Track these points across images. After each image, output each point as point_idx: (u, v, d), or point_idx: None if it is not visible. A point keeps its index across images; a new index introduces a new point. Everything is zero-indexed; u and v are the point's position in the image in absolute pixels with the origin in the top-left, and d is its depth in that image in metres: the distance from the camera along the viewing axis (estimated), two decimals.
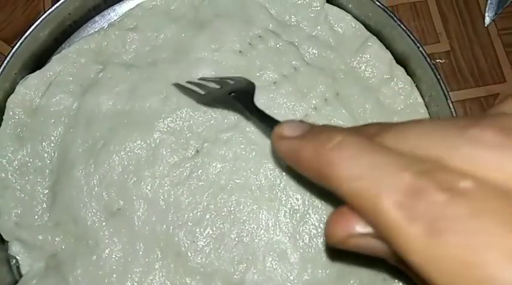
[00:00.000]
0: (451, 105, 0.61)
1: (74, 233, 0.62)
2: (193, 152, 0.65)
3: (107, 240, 0.61)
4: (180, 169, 0.64)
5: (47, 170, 0.64)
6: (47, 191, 0.64)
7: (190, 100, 0.65)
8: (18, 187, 0.64)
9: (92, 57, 0.69)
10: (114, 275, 0.60)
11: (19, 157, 0.64)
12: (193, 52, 0.69)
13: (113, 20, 0.72)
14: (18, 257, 0.62)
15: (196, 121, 0.65)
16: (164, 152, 0.64)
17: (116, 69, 0.68)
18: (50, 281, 0.60)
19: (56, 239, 0.62)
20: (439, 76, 0.62)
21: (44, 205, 0.64)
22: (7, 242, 0.63)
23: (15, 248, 0.62)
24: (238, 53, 0.69)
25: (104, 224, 0.62)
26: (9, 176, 0.64)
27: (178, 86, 0.65)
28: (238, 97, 0.61)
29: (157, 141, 0.64)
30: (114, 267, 0.60)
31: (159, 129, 0.64)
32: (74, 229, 0.62)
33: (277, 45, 0.69)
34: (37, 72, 0.66)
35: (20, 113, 0.65)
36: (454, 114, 0.61)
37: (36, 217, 0.63)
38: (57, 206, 0.63)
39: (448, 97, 0.61)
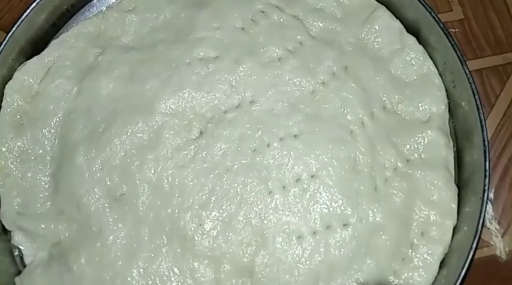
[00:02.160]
0: (467, 71, 0.58)
1: (77, 220, 0.60)
2: (197, 134, 0.62)
3: (111, 227, 0.59)
4: (184, 152, 0.61)
5: (48, 157, 0.63)
6: (48, 178, 0.62)
7: (191, 81, 0.63)
8: (19, 175, 0.62)
9: (91, 41, 0.67)
10: (120, 262, 0.58)
11: (19, 144, 0.62)
12: (194, 32, 0.66)
13: (111, 3, 0.70)
14: (21, 247, 0.61)
15: (199, 102, 0.63)
16: (167, 135, 0.62)
17: (115, 52, 0.66)
18: (54, 271, 0.58)
19: (59, 227, 0.60)
20: (453, 41, 0.58)
21: (46, 193, 0.62)
22: (10, 232, 0.61)
23: (17, 238, 0.61)
24: (241, 30, 0.66)
25: (107, 210, 0.59)
26: (10, 165, 0.62)
27: None
28: None
29: (160, 123, 0.62)
30: (119, 254, 0.58)
31: (161, 111, 0.62)
32: (77, 215, 0.60)
33: (281, 20, 0.66)
34: (35, 57, 0.65)
35: (19, 100, 0.63)
36: (471, 80, 0.57)
37: (38, 205, 0.61)
38: (59, 194, 0.61)
39: (463, 63, 0.58)
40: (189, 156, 0.61)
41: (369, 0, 0.66)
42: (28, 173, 0.62)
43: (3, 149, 0.62)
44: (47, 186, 0.62)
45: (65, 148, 0.62)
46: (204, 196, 0.59)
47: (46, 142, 0.63)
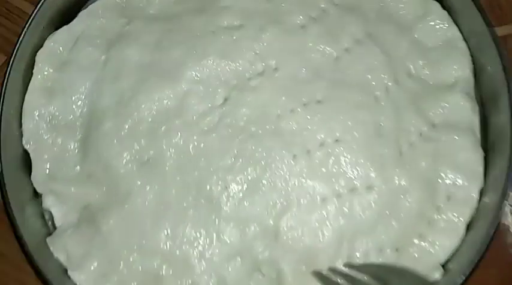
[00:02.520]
0: (493, 34, 0.57)
1: (105, 184, 0.61)
2: (221, 101, 0.63)
3: (138, 189, 0.60)
4: (209, 117, 0.62)
5: (78, 123, 0.64)
6: (78, 144, 0.64)
7: (216, 49, 0.64)
8: (50, 141, 0.64)
9: (118, 12, 0.69)
10: (148, 224, 0.59)
11: (50, 110, 0.64)
12: (218, 1, 0.67)
13: None
14: (51, 210, 0.62)
15: (223, 69, 0.64)
16: (193, 102, 0.63)
17: (141, 22, 0.67)
18: (83, 231, 0.60)
19: (89, 190, 0.62)
20: (477, 5, 0.58)
21: (76, 158, 0.64)
22: (41, 196, 0.63)
23: (48, 202, 0.62)
24: None
25: (135, 173, 0.61)
26: (41, 131, 0.64)
27: None
28: None
29: (185, 90, 0.63)
30: (147, 215, 0.59)
31: (186, 79, 0.63)
32: (105, 179, 0.61)
33: None
34: (65, 27, 0.66)
35: (49, 67, 0.65)
36: (497, 43, 0.57)
37: (68, 169, 0.63)
38: (88, 158, 0.63)
39: (489, 25, 0.57)
40: (214, 122, 0.62)
41: None
42: (58, 138, 0.64)
43: (36, 113, 0.63)
44: (76, 151, 0.64)
45: (93, 114, 0.64)
46: (229, 160, 0.60)
47: (75, 109, 0.65)
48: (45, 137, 0.64)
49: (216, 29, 0.65)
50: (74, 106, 0.65)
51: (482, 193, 0.58)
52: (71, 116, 0.64)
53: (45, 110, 0.64)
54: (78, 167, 0.63)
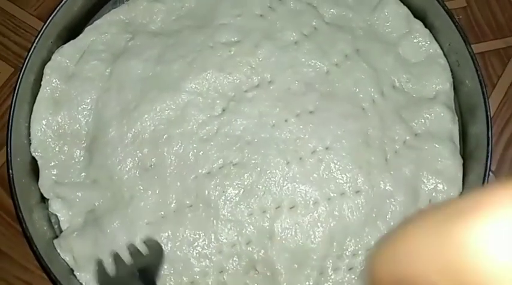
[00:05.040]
0: (470, 50, 0.62)
1: (110, 189, 0.65)
2: (220, 111, 0.67)
3: (141, 194, 0.64)
4: (208, 127, 0.66)
5: (83, 132, 0.68)
6: (83, 152, 0.68)
7: (214, 63, 0.68)
8: (57, 149, 0.68)
9: (122, 27, 0.73)
10: (149, 226, 0.63)
11: (57, 119, 0.68)
12: (217, 18, 0.72)
13: None
14: (58, 214, 0.66)
15: (222, 82, 0.68)
16: (192, 112, 0.67)
17: (144, 38, 0.71)
18: (89, 234, 0.63)
19: (94, 194, 0.65)
20: (457, 23, 0.63)
21: (81, 164, 0.67)
22: (47, 201, 0.67)
23: (55, 206, 0.66)
24: (260, 17, 0.72)
25: (138, 179, 0.65)
26: (48, 139, 0.67)
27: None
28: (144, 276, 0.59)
29: (186, 101, 0.67)
30: (149, 218, 0.63)
31: (186, 90, 0.67)
32: (110, 184, 0.65)
33: (297, 7, 0.72)
34: (71, 41, 0.71)
35: (57, 79, 0.69)
36: (474, 58, 0.62)
37: (74, 175, 0.67)
38: (93, 165, 0.66)
39: (467, 43, 0.62)
40: (213, 131, 0.66)
41: None
42: (65, 146, 0.68)
43: (43, 122, 0.67)
44: (82, 158, 0.68)
45: (99, 123, 0.68)
46: (226, 167, 0.64)
47: (81, 119, 0.68)
48: (52, 145, 0.67)
49: (214, 44, 0.70)
50: (79, 116, 0.68)
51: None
52: (77, 125, 0.68)
53: (52, 119, 0.68)
54: (83, 173, 0.67)
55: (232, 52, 0.69)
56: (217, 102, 0.68)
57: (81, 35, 0.71)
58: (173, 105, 0.67)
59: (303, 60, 0.68)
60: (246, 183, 0.64)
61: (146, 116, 0.67)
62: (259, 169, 0.64)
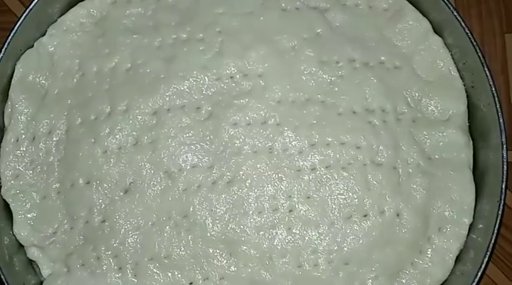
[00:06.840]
0: (488, 73, 0.58)
1: (89, 227, 0.58)
2: (205, 116, 0.60)
3: (122, 221, 0.58)
4: (191, 132, 0.60)
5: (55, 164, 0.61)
6: (58, 184, 0.60)
7: (198, 64, 0.61)
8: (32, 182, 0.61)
9: (94, 24, 0.65)
10: (135, 256, 0.57)
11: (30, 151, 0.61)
12: (199, 15, 0.64)
13: None
14: (37, 261, 0.59)
15: (206, 85, 0.61)
16: (173, 117, 0.60)
17: (116, 35, 0.63)
18: (74, 279, 0.58)
19: (73, 238, 0.59)
20: (475, 43, 0.58)
21: (58, 201, 0.60)
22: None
23: (33, 253, 0.59)
24: (250, 14, 0.63)
25: (118, 203, 0.58)
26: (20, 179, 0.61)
27: None
28: None
29: (167, 105, 0.60)
30: (134, 248, 0.57)
31: (163, 93, 0.60)
32: (88, 223, 0.59)
33: (300, 10, 0.64)
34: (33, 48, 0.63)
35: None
36: (491, 82, 0.58)
37: (50, 221, 0.60)
38: (70, 205, 0.60)
39: (484, 64, 0.58)
40: (197, 138, 0.60)
41: None
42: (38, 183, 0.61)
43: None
44: (58, 202, 0.60)
45: (68, 143, 0.61)
46: (212, 178, 0.58)
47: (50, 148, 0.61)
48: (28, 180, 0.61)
49: (197, 43, 0.63)
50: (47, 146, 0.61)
51: (471, 227, 0.59)
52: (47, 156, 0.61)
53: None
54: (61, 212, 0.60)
55: (217, 50, 0.62)
56: (202, 103, 0.61)
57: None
58: (148, 109, 0.60)
59: (302, 68, 0.62)
60: (235, 198, 0.58)
61: (119, 127, 0.60)
62: (249, 182, 0.58)
